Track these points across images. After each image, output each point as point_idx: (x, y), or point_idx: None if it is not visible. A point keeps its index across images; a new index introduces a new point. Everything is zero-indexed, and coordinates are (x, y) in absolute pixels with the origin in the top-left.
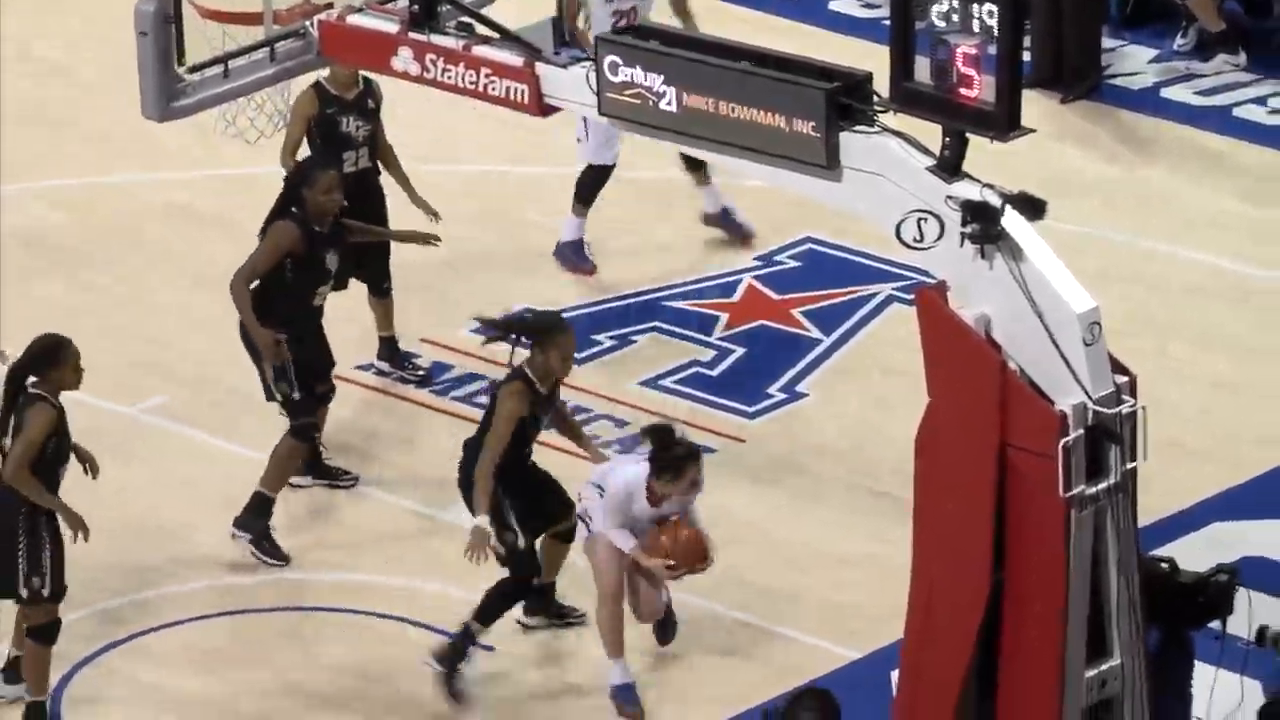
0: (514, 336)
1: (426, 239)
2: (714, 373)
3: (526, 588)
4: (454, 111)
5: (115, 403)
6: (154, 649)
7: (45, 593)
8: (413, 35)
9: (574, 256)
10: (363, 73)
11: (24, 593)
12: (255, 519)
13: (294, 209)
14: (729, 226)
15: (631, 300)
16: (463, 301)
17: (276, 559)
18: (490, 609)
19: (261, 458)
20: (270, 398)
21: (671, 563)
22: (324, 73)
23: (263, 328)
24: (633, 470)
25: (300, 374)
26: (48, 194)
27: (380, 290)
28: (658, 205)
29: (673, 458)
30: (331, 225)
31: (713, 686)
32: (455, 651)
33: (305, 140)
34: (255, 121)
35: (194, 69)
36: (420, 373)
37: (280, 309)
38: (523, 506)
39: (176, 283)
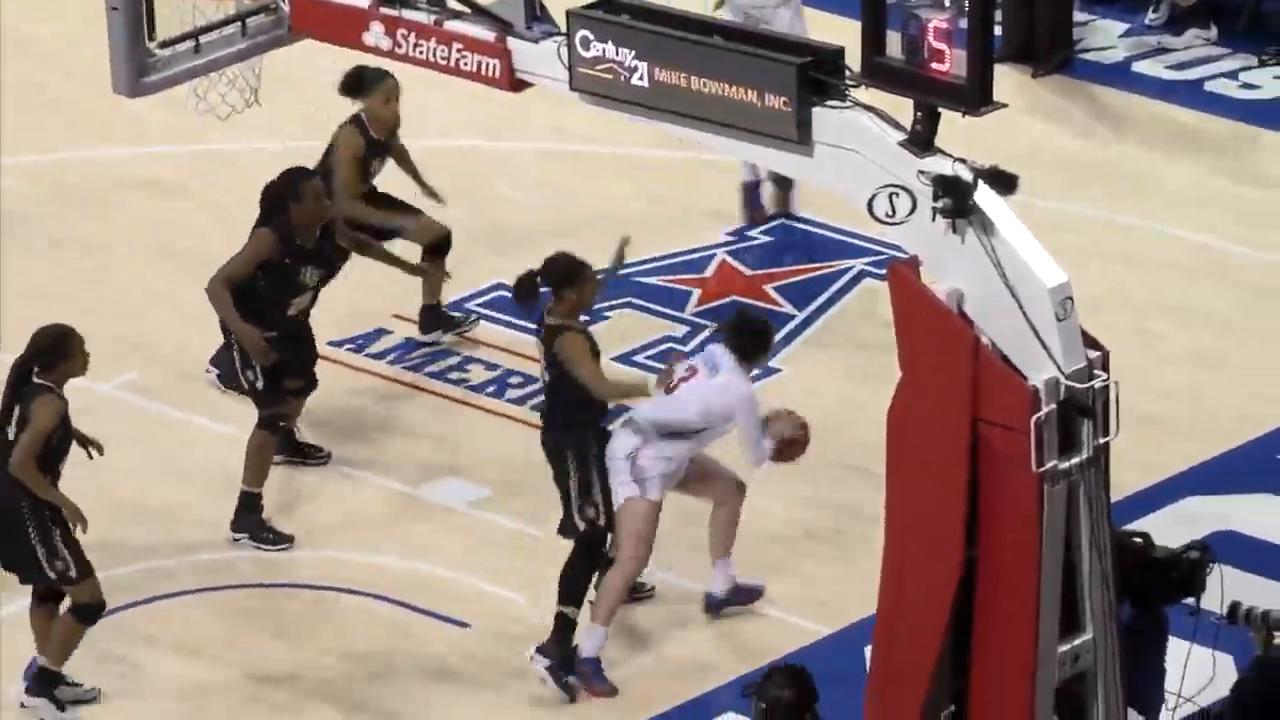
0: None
1: (424, 271)
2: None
3: (599, 560)
4: (425, 86)
5: (89, 379)
6: (138, 627)
7: (73, 574)
8: (384, 10)
9: None
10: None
11: (52, 575)
12: (247, 515)
13: (277, 219)
14: (751, 201)
15: (603, 275)
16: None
17: (281, 543)
18: (575, 589)
19: (234, 432)
20: (232, 385)
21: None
22: (362, 109)
23: (250, 327)
24: (741, 385)
25: (269, 367)
26: (16, 169)
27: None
28: (631, 181)
29: (763, 332)
30: (317, 240)
31: (684, 662)
32: (559, 643)
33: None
34: (226, 97)
35: (165, 44)
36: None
37: (258, 312)
38: (606, 487)
39: (147, 257)
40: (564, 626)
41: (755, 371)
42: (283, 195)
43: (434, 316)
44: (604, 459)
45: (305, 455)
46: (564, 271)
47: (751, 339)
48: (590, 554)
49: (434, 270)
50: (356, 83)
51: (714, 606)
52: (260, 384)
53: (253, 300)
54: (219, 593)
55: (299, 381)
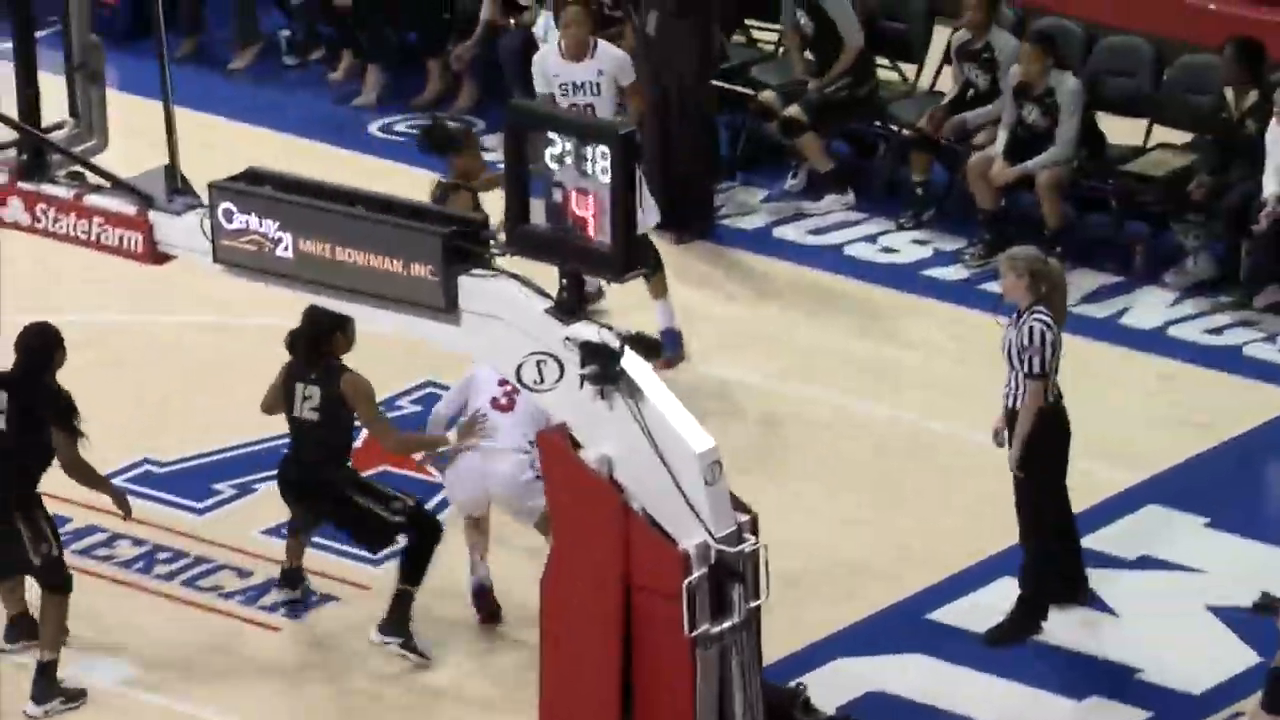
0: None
1: None
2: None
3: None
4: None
5: None
6: None
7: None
8: (21, 185)
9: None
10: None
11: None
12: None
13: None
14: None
15: (256, 448)
16: None
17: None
18: (416, 568)
19: None
20: None
21: None
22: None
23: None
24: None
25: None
26: None
27: None
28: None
29: None
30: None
31: None
32: (402, 626)
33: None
34: None
35: None
36: None
37: None
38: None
39: None
40: (405, 603)
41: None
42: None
43: None
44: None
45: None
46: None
47: None
48: (425, 541)
49: None
50: (445, 139)
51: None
52: None
53: None
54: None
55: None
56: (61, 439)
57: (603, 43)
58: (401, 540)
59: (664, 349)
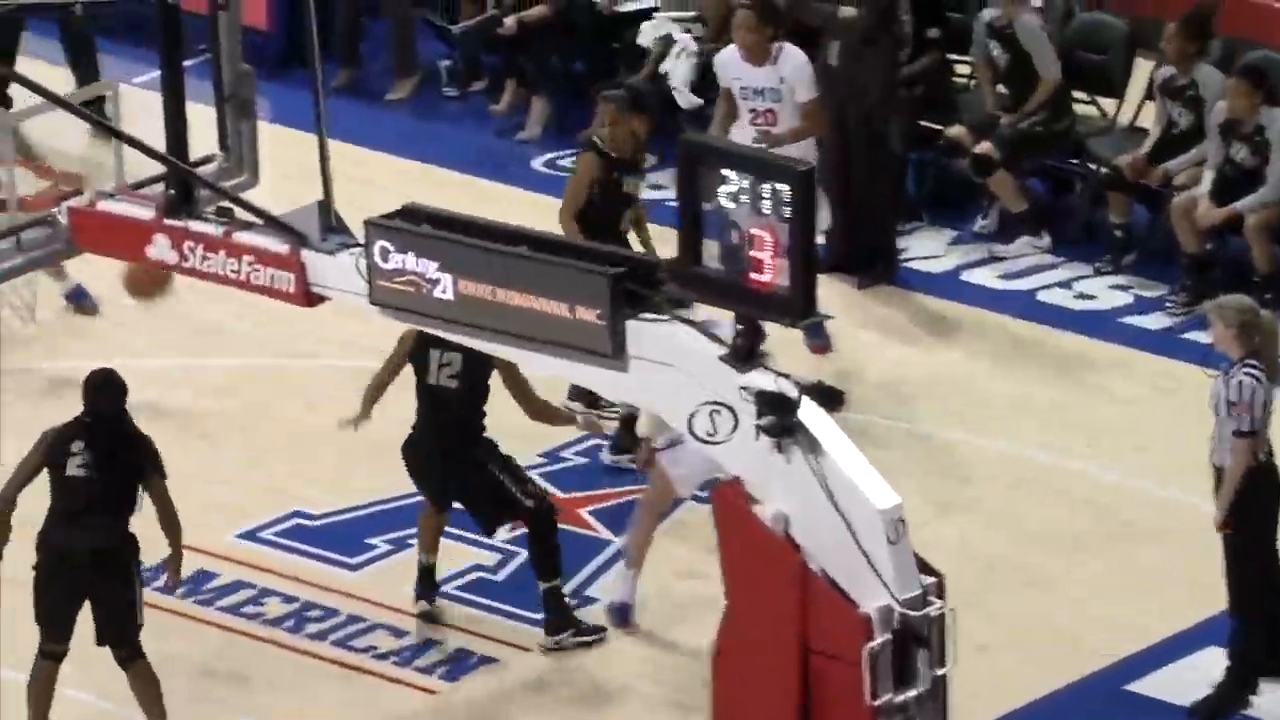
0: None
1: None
2: (498, 578)
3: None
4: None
5: None
6: None
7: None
8: (168, 222)
9: None
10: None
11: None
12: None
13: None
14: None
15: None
16: None
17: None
18: (551, 561)
19: None
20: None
21: None
22: (601, 133)
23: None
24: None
25: None
26: None
27: None
28: None
29: None
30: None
31: None
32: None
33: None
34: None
35: None
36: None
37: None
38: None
39: None
40: (557, 598)
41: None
42: None
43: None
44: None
45: None
46: None
47: None
48: (547, 526)
49: None
50: (635, 97)
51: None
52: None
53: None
54: None
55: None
56: (155, 483)
57: (789, 49)
58: (505, 532)
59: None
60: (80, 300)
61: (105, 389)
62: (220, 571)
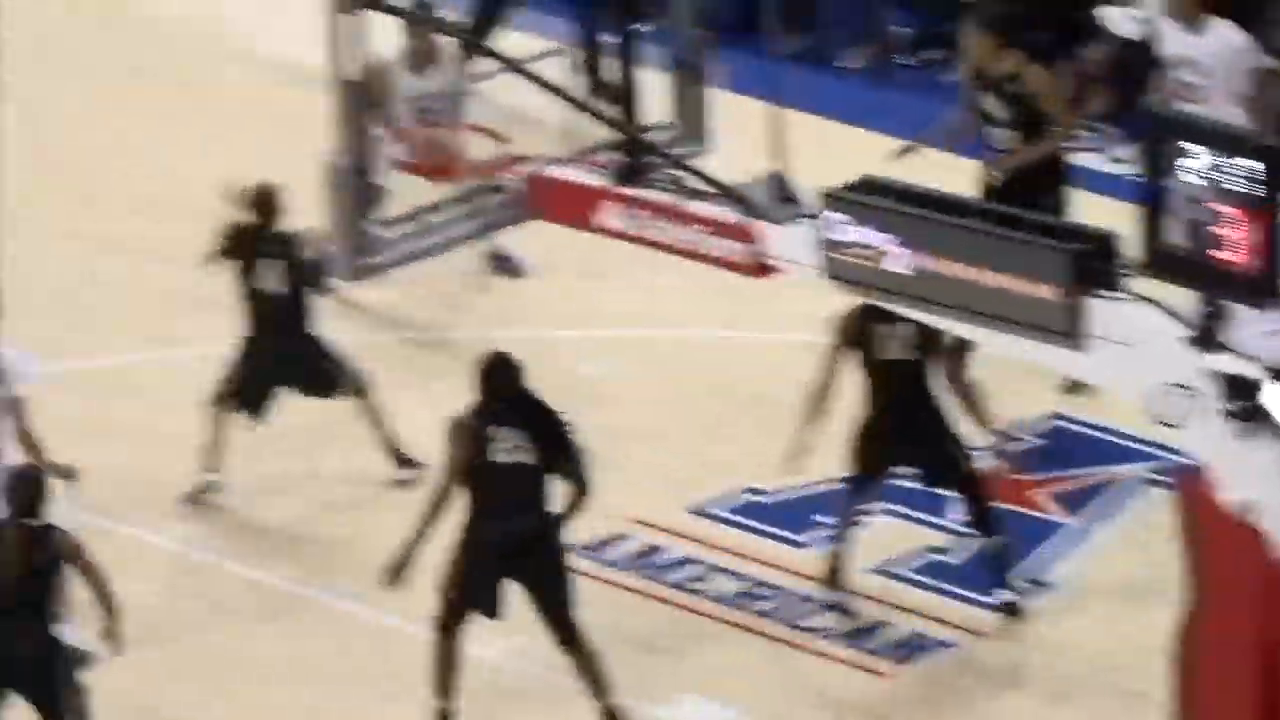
0: None
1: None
2: (955, 561)
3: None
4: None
5: None
6: None
7: None
8: (621, 189)
9: None
10: None
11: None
12: None
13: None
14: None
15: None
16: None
17: None
18: (990, 521)
19: None
20: None
21: None
22: None
23: None
24: None
25: None
26: None
27: None
28: None
29: None
30: None
31: None
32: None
33: None
34: None
35: (388, 224)
36: None
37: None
38: None
39: None
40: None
41: None
42: None
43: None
44: None
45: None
46: None
47: None
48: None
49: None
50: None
51: None
52: None
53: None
54: None
55: None
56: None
57: (1220, 25)
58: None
59: None
60: (505, 264)
61: (509, 372)
62: (668, 547)
